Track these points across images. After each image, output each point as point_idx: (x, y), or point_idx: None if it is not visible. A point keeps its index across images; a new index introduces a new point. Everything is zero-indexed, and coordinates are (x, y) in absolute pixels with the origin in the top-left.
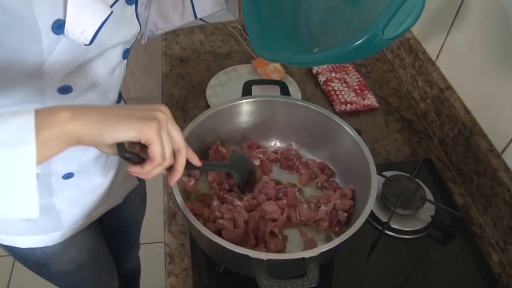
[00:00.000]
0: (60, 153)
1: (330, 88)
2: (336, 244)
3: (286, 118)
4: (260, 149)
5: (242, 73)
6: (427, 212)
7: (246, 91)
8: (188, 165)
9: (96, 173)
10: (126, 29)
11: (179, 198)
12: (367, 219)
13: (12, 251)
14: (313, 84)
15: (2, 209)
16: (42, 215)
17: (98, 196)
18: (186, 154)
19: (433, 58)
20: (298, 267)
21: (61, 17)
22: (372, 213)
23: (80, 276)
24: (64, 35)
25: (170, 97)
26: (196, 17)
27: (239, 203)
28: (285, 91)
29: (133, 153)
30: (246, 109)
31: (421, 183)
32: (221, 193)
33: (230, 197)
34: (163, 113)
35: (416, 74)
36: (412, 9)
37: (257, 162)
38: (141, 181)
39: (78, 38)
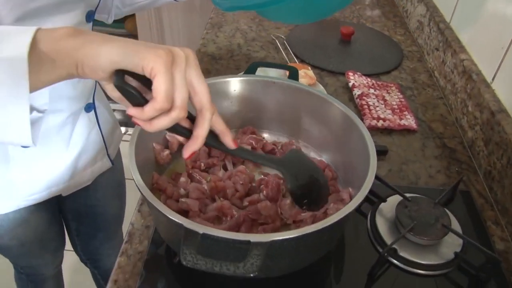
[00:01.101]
0: None
1: (364, 102)
2: (294, 235)
3: (292, 107)
4: (254, 135)
5: (270, 74)
6: (451, 246)
7: (250, 72)
8: (214, 142)
9: (57, 145)
10: None
11: (132, 163)
12: (369, 240)
13: None
14: (346, 98)
15: None
16: None
17: (59, 170)
18: (215, 125)
19: (489, 80)
20: (239, 253)
21: None
22: (378, 234)
23: (21, 252)
24: None
25: None
26: None
27: (205, 185)
28: (294, 76)
29: (132, 86)
30: (243, 90)
31: (448, 212)
32: (192, 171)
33: (198, 176)
34: (186, 54)
35: (467, 98)
36: None
37: (248, 149)
38: (116, 167)
39: None
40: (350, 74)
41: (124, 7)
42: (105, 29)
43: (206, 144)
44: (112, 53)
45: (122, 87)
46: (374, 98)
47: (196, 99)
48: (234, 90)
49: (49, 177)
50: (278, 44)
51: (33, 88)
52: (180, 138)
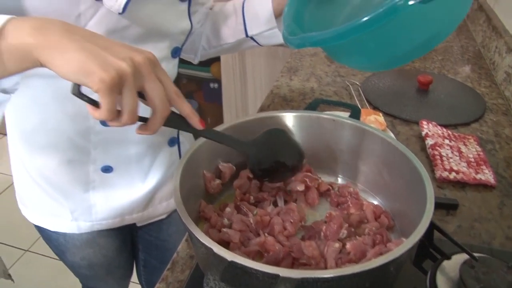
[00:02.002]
0: (100, 142)
1: (436, 153)
2: (328, 275)
3: (351, 148)
4: (309, 173)
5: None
6: None
7: (310, 108)
8: (183, 124)
9: (136, 175)
10: (174, 21)
11: (176, 193)
12: None
13: (41, 230)
14: (418, 147)
15: None
16: (75, 202)
17: (135, 200)
18: (181, 111)
19: None
20: (265, 286)
21: None
22: None
23: (89, 273)
24: (102, 2)
25: None
26: (247, 35)
27: (251, 218)
28: (355, 115)
29: (86, 96)
30: (301, 126)
31: None
32: (240, 203)
33: (245, 209)
34: (135, 65)
35: None
36: None
37: (301, 188)
38: None
39: (113, 6)
40: (424, 123)
41: (210, 48)
42: (192, 72)
43: (174, 126)
44: (65, 68)
45: (77, 96)
46: (448, 149)
47: (149, 102)
48: (292, 126)
49: (124, 205)
50: (352, 90)
51: (1, 76)
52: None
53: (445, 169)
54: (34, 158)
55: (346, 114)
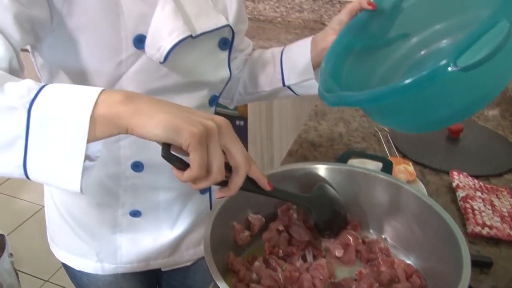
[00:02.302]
0: (130, 187)
1: (468, 205)
2: None
3: (383, 203)
4: (353, 232)
5: (367, 166)
6: None
7: (342, 161)
8: (252, 187)
9: (164, 221)
10: (214, 70)
11: (206, 245)
12: None
13: (66, 268)
14: (448, 198)
15: (45, 171)
16: (101, 243)
17: (161, 246)
18: (251, 173)
19: None
20: None
21: (144, 33)
22: None
23: None
24: (144, 51)
25: None
26: (284, 84)
27: (280, 273)
28: (387, 169)
29: (176, 157)
30: (333, 178)
31: None
32: (268, 257)
33: (274, 263)
34: (218, 124)
35: None
36: (495, 37)
37: (339, 253)
38: None
39: (155, 54)
40: (455, 173)
41: (246, 94)
42: (219, 109)
43: (244, 189)
44: (156, 128)
45: (166, 158)
46: (480, 202)
47: (232, 160)
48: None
49: (150, 250)
50: (381, 137)
51: (88, 142)
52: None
53: (478, 224)
54: (65, 197)
55: (375, 164)
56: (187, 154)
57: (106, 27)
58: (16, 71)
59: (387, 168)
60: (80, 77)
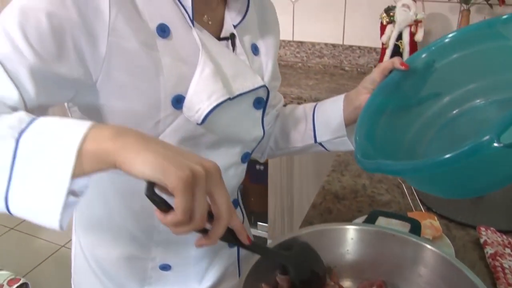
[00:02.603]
0: (162, 242)
1: (497, 264)
2: None
3: (411, 264)
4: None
5: (393, 223)
6: None
7: (369, 221)
8: (231, 238)
9: (193, 275)
10: (248, 129)
11: None
12: None
13: None
14: (476, 255)
15: (27, 204)
16: None
17: None
18: (232, 224)
19: None
20: None
21: (183, 93)
22: None
23: None
24: (182, 111)
25: (308, 225)
26: (315, 141)
27: None
28: (416, 230)
29: (159, 197)
30: (361, 239)
31: None
32: None
33: None
34: (206, 169)
35: None
36: None
37: None
38: None
39: (193, 116)
40: (482, 229)
41: (277, 149)
42: None
43: (223, 239)
44: (143, 165)
45: (149, 197)
46: (510, 260)
47: (215, 208)
48: (352, 239)
49: None
50: (404, 189)
51: (75, 176)
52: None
53: (509, 284)
54: (95, 249)
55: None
56: (171, 194)
57: (145, 87)
58: None
59: (416, 229)
60: None
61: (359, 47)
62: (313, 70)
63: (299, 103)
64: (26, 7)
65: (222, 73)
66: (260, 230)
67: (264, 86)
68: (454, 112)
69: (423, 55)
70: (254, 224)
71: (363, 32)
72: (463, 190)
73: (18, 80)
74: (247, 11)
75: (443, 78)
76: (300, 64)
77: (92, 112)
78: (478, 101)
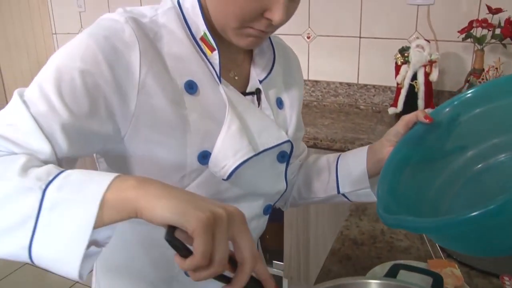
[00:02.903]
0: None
1: None
2: None
3: None
4: None
5: (415, 275)
6: None
7: (391, 275)
8: (256, 287)
9: None
10: (271, 182)
11: None
12: None
13: None
14: None
15: (49, 254)
16: None
17: None
18: (258, 272)
19: None
20: None
21: (209, 149)
22: None
23: None
24: (207, 166)
25: (327, 272)
26: (339, 192)
27: None
28: (438, 284)
29: (179, 241)
30: None
31: None
32: None
33: None
34: (228, 213)
35: None
36: None
37: None
38: None
39: (218, 172)
40: (506, 278)
41: (300, 199)
42: None
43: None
44: (164, 211)
45: (169, 241)
46: None
47: (238, 253)
48: None
49: None
50: (424, 236)
51: (96, 227)
52: None
53: None
54: None
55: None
56: (191, 241)
57: (172, 143)
58: None
59: (438, 283)
60: None
61: (373, 86)
62: (328, 109)
63: (315, 144)
64: (61, 65)
65: (248, 129)
66: (276, 269)
67: (288, 141)
68: (479, 166)
69: (447, 109)
70: (269, 262)
71: (377, 71)
72: (488, 248)
73: (51, 136)
74: (272, 66)
75: (467, 132)
76: (315, 103)
77: (119, 164)
78: (503, 155)
